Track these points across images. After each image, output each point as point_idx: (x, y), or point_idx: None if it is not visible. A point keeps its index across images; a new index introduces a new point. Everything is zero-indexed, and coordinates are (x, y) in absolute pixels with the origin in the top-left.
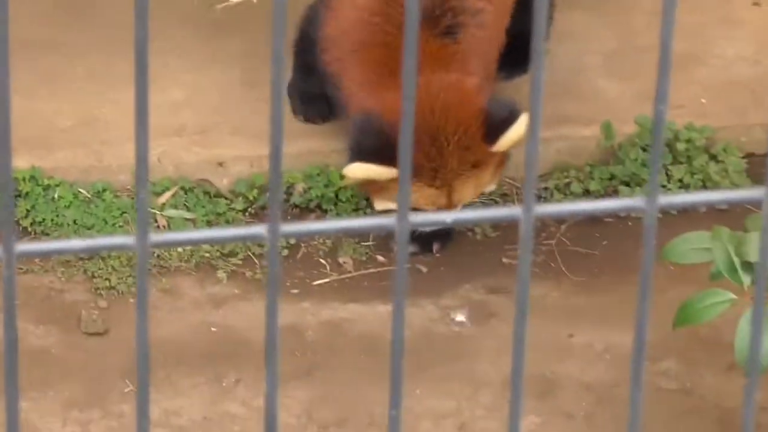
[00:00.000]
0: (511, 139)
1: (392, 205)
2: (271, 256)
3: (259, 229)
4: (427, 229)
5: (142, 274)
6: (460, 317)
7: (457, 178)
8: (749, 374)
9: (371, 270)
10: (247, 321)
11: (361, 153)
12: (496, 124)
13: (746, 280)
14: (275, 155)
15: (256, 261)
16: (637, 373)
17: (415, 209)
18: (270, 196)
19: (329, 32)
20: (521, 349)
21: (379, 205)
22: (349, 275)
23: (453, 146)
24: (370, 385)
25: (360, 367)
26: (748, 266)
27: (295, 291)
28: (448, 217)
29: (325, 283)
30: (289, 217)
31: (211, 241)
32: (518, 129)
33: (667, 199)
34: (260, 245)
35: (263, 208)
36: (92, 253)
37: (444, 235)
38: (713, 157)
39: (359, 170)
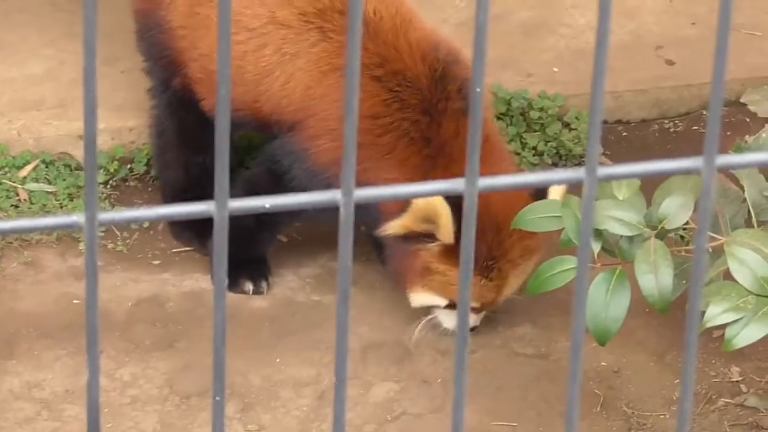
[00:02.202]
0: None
1: (436, 300)
2: (88, 243)
3: (77, 218)
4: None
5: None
6: (319, 286)
7: (512, 270)
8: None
9: None
10: (109, 293)
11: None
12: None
13: (595, 247)
14: (90, 142)
15: (118, 233)
16: (461, 346)
17: (455, 305)
18: (87, 185)
19: (321, 161)
20: (344, 334)
21: (422, 296)
22: None
23: (516, 234)
24: (231, 355)
25: (226, 343)
26: (597, 233)
27: (157, 262)
28: (266, 201)
29: (186, 253)
30: (149, 189)
31: (24, 230)
32: (557, 192)
33: (606, 171)
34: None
35: (124, 180)
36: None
37: None
38: (566, 125)
39: (437, 201)
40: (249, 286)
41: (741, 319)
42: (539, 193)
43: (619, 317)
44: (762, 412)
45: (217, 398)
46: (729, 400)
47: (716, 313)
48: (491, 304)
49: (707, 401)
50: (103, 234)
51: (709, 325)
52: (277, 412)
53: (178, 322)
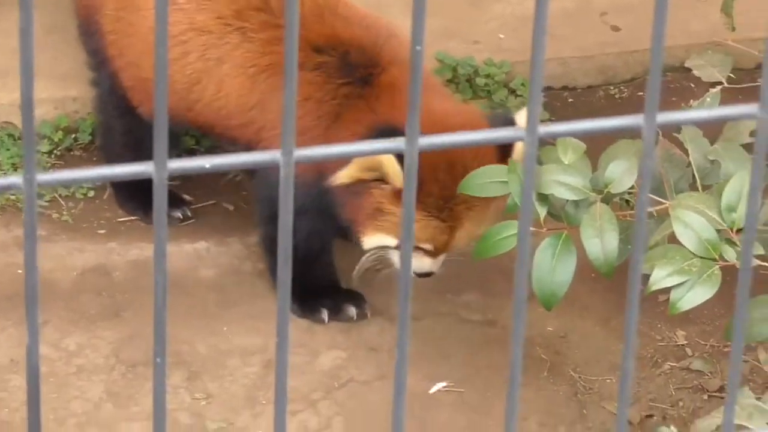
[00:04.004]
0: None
1: (387, 240)
2: (27, 205)
3: (16, 179)
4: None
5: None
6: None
7: (466, 213)
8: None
9: (180, 210)
10: (54, 263)
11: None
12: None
13: (541, 211)
14: (26, 101)
15: (63, 203)
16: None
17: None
18: (25, 146)
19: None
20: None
21: (371, 238)
22: None
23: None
24: (177, 324)
25: (167, 305)
26: (543, 198)
27: (102, 231)
28: (207, 162)
29: (131, 222)
30: (94, 159)
31: None
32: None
33: (547, 129)
34: (66, 186)
35: (69, 150)
36: None
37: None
38: (512, 92)
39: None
40: (353, 310)
41: (686, 282)
42: (504, 150)
43: (565, 282)
44: (707, 375)
45: (158, 359)
46: (674, 364)
47: (661, 277)
48: (446, 247)
49: (653, 365)
50: (48, 204)
51: (654, 288)
52: (224, 381)
53: (124, 291)
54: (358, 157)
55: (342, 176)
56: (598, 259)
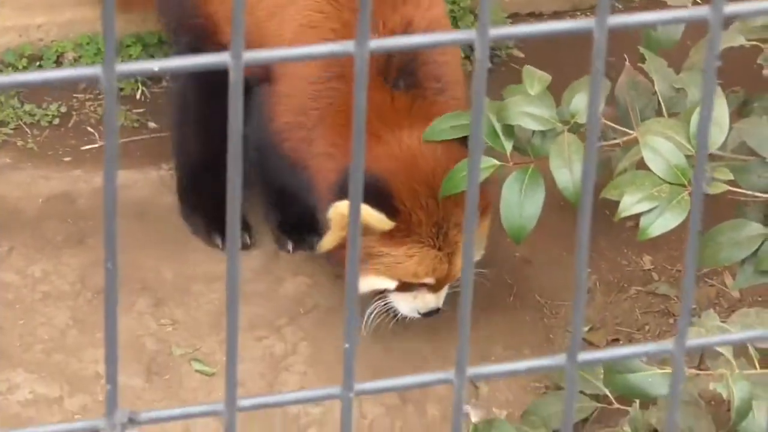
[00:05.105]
0: None
1: (385, 283)
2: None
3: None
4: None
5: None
6: None
7: (461, 235)
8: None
9: (144, 137)
10: (19, 190)
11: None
12: None
13: (507, 146)
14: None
15: (28, 130)
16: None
17: (408, 286)
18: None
19: (283, 120)
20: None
21: (368, 281)
22: (120, 141)
23: (459, 194)
24: (142, 251)
25: (133, 232)
26: (509, 132)
27: (67, 159)
28: (155, 65)
29: (97, 149)
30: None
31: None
32: None
33: (498, 32)
34: (31, 114)
35: None
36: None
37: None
38: (476, 17)
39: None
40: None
41: (655, 208)
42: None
43: (533, 215)
44: (673, 299)
45: (108, 265)
46: (641, 288)
47: (630, 203)
48: (447, 277)
49: (619, 290)
50: (12, 132)
51: (624, 214)
52: (189, 307)
53: (90, 218)
54: (305, 59)
55: (326, 244)
56: (568, 188)
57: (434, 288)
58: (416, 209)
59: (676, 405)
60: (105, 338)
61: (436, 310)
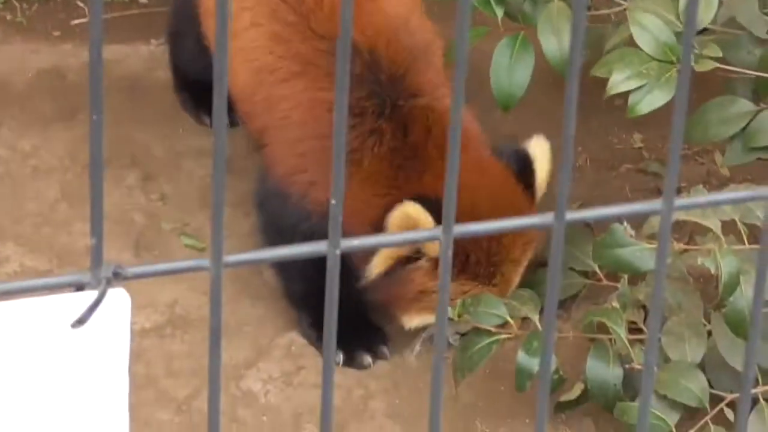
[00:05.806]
0: (545, 170)
1: (429, 318)
2: None
3: None
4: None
5: None
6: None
7: (515, 269)
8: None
9: (134, 11)
10: (8, 64)
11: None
12: (524, 171)
13: (498, 12)
14: None
15: (17, 4)
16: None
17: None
18: None
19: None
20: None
21: (415, 320)
22: (110, 15)
23: (514, 234)
24: (132, 126)
25: (123, 107)
26: None
27: (57, 33)
28: None
29: (86, 23)
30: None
31: None
32: (543, 156)
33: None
34: None
35: None
36: None
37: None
38: None
39: (413, 210)
40: (368, 359)
41: (644, 85)
42: (524, 163)
43: (522, 82)
44: (663, 177)
45: (95, 117)
46: (631, 166)
47: (619, 80)
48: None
49: (609, 168)
50: (2, 5)
51: (612, 92)
52: (179, 182)
53: (79, 93)
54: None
55: (376, 266)
56: (555, 57)
57: None
58: (476, 250)
59: (664, 262)
60: (90, 188)
61: None
